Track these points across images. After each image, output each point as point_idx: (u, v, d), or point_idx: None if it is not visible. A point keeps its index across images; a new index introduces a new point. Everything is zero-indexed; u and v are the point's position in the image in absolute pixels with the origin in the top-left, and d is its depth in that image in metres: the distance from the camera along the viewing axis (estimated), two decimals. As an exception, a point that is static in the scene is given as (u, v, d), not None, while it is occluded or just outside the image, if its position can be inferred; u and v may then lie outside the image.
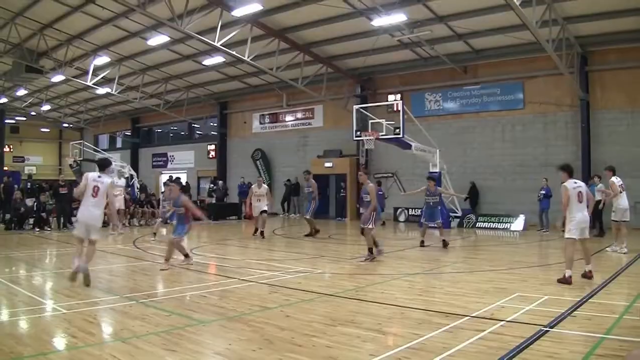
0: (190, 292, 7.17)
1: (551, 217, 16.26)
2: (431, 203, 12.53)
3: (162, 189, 20.34)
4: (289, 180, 24.50)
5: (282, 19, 17.66)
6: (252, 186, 15.29)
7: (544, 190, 16.07)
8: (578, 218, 7.65)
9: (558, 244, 13.25)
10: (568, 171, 7.94)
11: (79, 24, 19.00)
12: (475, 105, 20.23)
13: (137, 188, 23.46)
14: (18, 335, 4.99)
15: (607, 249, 11.28)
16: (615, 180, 11.22)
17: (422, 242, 12.50)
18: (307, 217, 14.69)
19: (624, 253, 10.70)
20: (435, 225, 12.80)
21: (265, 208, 14.53)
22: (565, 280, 7.37)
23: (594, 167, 16.82)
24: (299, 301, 6.46)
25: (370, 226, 9.98)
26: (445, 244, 12.13)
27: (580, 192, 7.72)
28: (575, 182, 7.81)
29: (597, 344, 4.52)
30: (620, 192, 11.17)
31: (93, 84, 23.68)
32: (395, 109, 17.78)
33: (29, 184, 24.68)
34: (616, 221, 11.20)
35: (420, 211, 16.04)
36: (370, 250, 10.11)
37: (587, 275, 7.70)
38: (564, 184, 7.82)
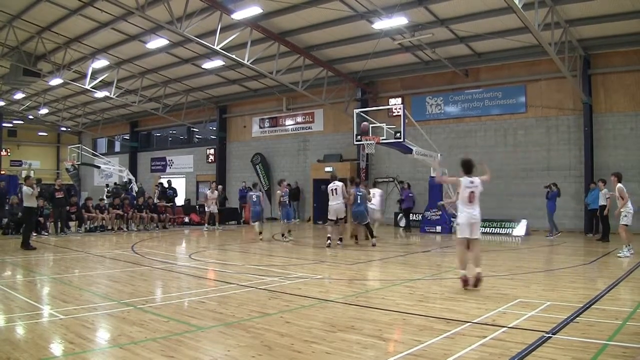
0: (188, 297, 7.11)
1: (556, 221, 16.11)
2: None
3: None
4: (289, 184, 24.31)
5: (282, 22, 17.64)
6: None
7: (551, 195, 15.88)
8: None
9: (561, 249, 13.26)
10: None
11: (77, 27, 18.97)
12: (476, 109, 20.20)
13: (135, 192, 23.37)
14: (15, 341, 4.92)
15: (618, 254, 11.19)
16: (622, 185, 11.43)
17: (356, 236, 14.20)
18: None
19: (631, 254, 10.89)
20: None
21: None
22: None
23: (597, 171, 16.79)
24: (299, 307, 6.40)
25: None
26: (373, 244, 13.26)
27: None
28: None
29: (600, 351, 4.46)
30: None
31: (91, 88, 23.69)
32: (396, 112, 17.73)
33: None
34: (627, 225, 11.29)
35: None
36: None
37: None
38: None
